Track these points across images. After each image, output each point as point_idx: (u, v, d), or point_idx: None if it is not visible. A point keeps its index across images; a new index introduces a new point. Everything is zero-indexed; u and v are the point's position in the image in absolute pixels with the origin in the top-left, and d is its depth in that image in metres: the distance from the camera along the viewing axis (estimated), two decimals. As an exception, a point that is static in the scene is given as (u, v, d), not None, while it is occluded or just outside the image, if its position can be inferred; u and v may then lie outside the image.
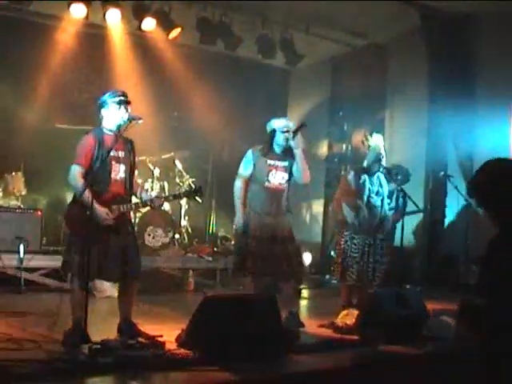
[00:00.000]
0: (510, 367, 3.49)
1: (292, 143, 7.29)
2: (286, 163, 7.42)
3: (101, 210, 5.94)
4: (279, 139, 7.36)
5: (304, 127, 7.50)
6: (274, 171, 7.34)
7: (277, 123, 7.42)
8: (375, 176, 8.22)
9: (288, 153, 7.41)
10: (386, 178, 8.36)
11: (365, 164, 8.31)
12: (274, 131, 7.39)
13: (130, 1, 10.66)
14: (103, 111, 6.14)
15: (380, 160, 8.15)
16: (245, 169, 7.42)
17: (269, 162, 7.36)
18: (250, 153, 7.45)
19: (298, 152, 7.31)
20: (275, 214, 7.36)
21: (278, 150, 7.41)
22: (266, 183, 7.33)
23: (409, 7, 10.95)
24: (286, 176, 7.42)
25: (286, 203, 7.49)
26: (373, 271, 8.13)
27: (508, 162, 3.87)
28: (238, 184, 7.43)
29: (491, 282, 3.63)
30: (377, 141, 8.27)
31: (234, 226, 7.51)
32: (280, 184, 7.39)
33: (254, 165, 7.37)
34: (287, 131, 7.33)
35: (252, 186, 7.43)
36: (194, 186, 6.52)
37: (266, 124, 7.51)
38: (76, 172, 5.98)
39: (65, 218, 6.20)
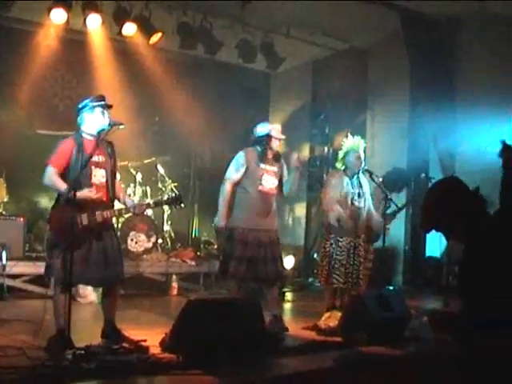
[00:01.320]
0: (486, 367, 3.53)
1: (294, 161, 7.31)
2: (275, 168, 7.43)
3: (84, 191, 5.93)
4: (274, 145, 7.36)
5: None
6: (265, 175, 7.32)
7: (273, 129, 7.41)
8: (355, 178, 8.24)
9: (276, 158, 7.44)
10: (370, 179, 8.38)
11: (339, 166, 8.34)
12: (268, 136, 7.38)
13: (110, 6, 10.63)
14: (84, 116, 6.14)
15: (361, 162, 8.20)
16: (236, 171, 7.32)
17: (261, 165, 7.32)
18: (242, 155, 7.37)
19: (295, 171, 7.35)
20: (265, 218, 7.33)
21: (269, 154, 7.40)
22: (260, 187, 7.29)
23: (390, 11, 11.00)
24: (276, 181, 7.43)
25: (275, 207, 7.50)
26: (357, 273, 8.14)
27: (451, 179, 3.95)
28: (227, 186, 7.32)
29: (468, 285, 3.68)
30: (350, 143, 8.30)
31: (214, 227, 7.47)
32: (271, 188, 7.38)
33: (247, 167, 7.31)
34: (283, 139, 7.37)
35: (243, 189, 7.35)
36: (175, 194, 6.52)
37: (258, 126, 7.48)
38: (50, 173, 5.99)
39: (48, 221, 6.18)
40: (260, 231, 7.28)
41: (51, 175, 6.00)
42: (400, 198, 9.92)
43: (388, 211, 8.66)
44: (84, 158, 5.97)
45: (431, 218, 3.85)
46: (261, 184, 7.30)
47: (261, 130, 7.44)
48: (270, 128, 7.42)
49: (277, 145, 7.37)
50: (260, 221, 7.29)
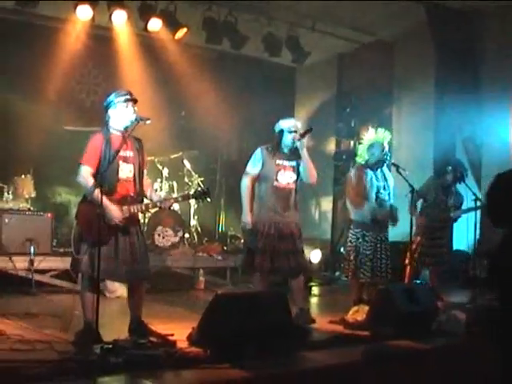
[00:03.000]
0: None
1: (298, 144, 7.30)
2: (293, 163, 7.43)
3: (113, 209, 5.96)
4: (286, 139, 7.38)
5: (310, 131, 7.48)
6: (282, 171, 7.34)
7: (284, 124, 7.44)
8: (379, 171, 8.21)
9: (295, 153, 7.42)
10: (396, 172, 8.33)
11: (360, 160, 8.33)
12: (281, 131, 7.41)
13: (135, 1, 10.69)
14: (110, 111, 6.15)
15: (384, 154, 8.16)
16: (253, 166, 7.40)
17: (277, 161, 7.35)
18: (259, 151, 7.43)
19: (303, 153, 7.34)
20: (284, 212, 7.34)
21: (285, 150, 7.42)
22: (275, 183, 7.32)
23: (415, 3, 10.94)
24: (294, 176, 7.43)
25: (294, 202, 7.49)
26: (385, 267, 8.11)
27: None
28: (246, 182, 7.42)
29: (500, 281, 3.65)
30: (371, 136, 8.26)
31: (242, 224, 7.51)
32: (288, 184, 7.39)
33: (263, 164, 7.36)
34: (295, 131, 7.35)
35: (261, 185, 7.41)
36: (202, 188, 6.54)
37: (275, 125, 7.52)
38: (85, 172, 6.00)
39: (76, 217, 6.21)
40: (280, 224, 7.30)
41: (85, 174, 6.01)
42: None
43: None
44: (111, 153, 5.99)
45: (503, 213, 3.80)
46: (276, 179, 7.33)
47: (277, 126, 7.49)
48: (283, 123, 7.46)
49: (290, 138, 7.35)
50: (279, 215, 7.32)
